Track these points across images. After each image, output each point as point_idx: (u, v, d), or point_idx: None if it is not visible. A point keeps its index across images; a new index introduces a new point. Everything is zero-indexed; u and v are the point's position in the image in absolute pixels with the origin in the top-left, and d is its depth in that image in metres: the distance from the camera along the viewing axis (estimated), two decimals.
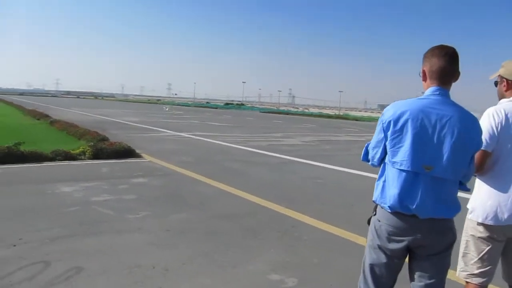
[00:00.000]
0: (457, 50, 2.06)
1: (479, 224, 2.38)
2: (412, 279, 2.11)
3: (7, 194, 6.02)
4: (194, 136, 16.42)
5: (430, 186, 1.95)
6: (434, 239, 2.00)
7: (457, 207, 2.03)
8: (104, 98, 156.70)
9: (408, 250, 2.05)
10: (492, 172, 2.36)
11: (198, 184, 7.33)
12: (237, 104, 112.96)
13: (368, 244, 2.15)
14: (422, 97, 2.03)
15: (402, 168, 1.97)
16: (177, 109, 51.90)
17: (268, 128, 24.44)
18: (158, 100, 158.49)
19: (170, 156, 10.27)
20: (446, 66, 2.00)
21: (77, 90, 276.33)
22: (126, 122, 22.87)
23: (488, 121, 2.32)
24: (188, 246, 4.25)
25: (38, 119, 20.53)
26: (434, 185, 1.95)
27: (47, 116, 21.12)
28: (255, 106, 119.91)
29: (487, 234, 2.37)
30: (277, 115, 53.86)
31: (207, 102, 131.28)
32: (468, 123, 1.96)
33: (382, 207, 2.06)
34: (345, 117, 55.66)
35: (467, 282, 2.48)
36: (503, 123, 2.29)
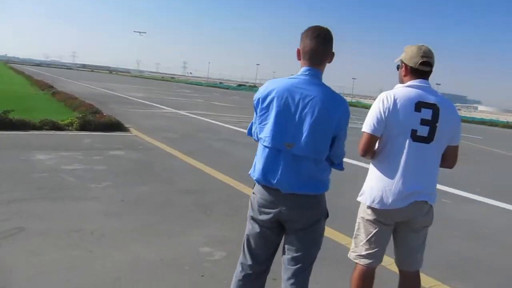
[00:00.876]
0: (331, 31, 2.11)
1: (368, 207, 2.44)
2: (283, 252, 2.22)
3: None
4: (190, 114, 16.56)
5: (291, 162, 2.02)
6: (298, 214, 2.08)
7: (323, 185, 2.11)
8: (119, 73, 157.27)
9: (278, 223, 2.15)
10: (380, 157, 2.39)
11: (173, 160, 7.48)
12: (249, 86, 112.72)
13: (247, 216, 2.26)
14: (292, 76, 2.08)
15: (265, 144, 2.06)
16: (187, 88, 51.91)
17: None
18: (172, 78, 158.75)
19: (157, 132, 10.42)
20: (317, 47, 2.05)
21: (93, 64, 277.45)
22: (129, 97, 23.08)
23: (377, 106, 2.33)
24: (135, 217, 4.41)
25: (43, 90, 20.83)
26: (295, 162, 2.02)
27: (51, 87, 21.41)
28: None
29: (374, 217, 2.43)
30: None
31: (220, 83, 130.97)
32: (330, 105, 2.01)
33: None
34: (354, 105, 55.35)
35: (356, 263, 2.57)
36: (391, 108, 2.29)
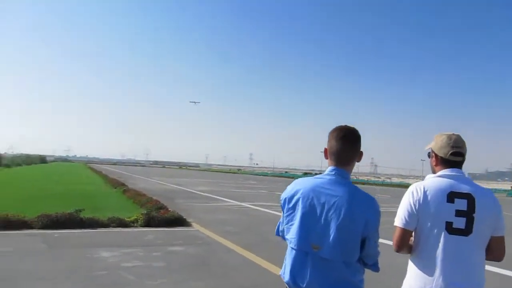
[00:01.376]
0: (357, 130, 2.13)
1: None
2: None
3: (52, 257, 6.60)
4: (253, 206, 16.66)
5: (320, 265, 1.96)
6: None
7: None
8: (188, 167, 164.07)
9: None
10: (417, 252, 2.26)
11: (231, 254, 7.45)
12: (315, 174, 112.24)
13: None
14: (318, 176, 2.09)
15: (292, 246, 2.05)
16: (252, 179, 52.77)
17: None
18: (239, 169, 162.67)
19: (218, 226, 10.54)
20: (343, 149, 2.07)
21: (164, 160, 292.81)
22: (195, 192, 23.80)
23: (407, 199, 2.25)
24: None
25: (115, 188, 22.06)
26: (324, 264, 1.96)
27: (123, 185, 22.65)
28: None
29: None
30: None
31: (285, 172, 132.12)
32: (357, 205, 1.97)
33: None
34: None
35: None
36: (421, 201, 2.19)
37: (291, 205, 2.07)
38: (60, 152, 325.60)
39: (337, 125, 2.16)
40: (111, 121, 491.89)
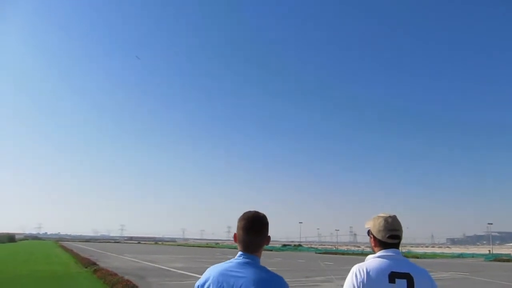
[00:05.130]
0: (265, 217, 2.18)
1: None
2: None
3: None
4: None
5: None
6: None
7: None
8: (164, 243, 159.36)
9: None
10: None
11: None
12: (294, 245, 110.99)
13: None
14: (229, 260, 2.12)
15: None
16: (230, 253, 51.47)
17: (312, 271, 23.56)
18: (217, 243, 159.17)
19: None
20: (248, 239, 2.12)
21: (139, 235, 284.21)
22: (170, 269, 22.90)
23: (351, 281, 2.25)
24: None
25: (86, 267, 21.04)
26: None
27: (94, 264, 21.67)
28: (313, 246, 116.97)
29: None
30: (333, 255, 51.95)
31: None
32: (262, 285, 1.96)
33: None
34: (404, 255, 52.42)
35: None
36: (365, 282, 2.21)
37: None
38: (30, 229, 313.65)
39: (246, 212, 2.21)
40: (83, 197, 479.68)
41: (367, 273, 2.24)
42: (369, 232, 2.48)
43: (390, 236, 2.35)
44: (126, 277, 14.36)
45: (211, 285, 2.04)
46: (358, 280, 2.23)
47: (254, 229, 2.13)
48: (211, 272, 2.10)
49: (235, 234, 2.20)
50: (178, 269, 22.62)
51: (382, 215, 2.44)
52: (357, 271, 2.27)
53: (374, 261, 2.31)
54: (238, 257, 2.12)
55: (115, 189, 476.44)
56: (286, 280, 2.00)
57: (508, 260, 46.11)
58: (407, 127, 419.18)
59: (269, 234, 2.21)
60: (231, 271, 2.04)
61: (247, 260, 2.08)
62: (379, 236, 2.38)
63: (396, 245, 2.38)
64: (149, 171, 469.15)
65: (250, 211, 2.21)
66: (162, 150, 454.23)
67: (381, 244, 2.38)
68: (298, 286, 15.28)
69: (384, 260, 2.30)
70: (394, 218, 2.41)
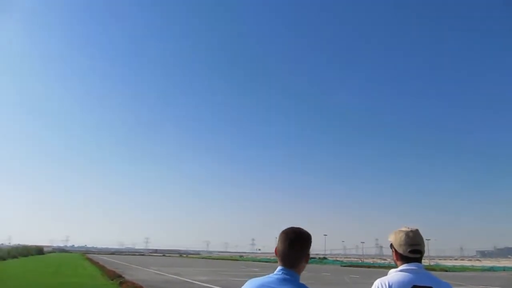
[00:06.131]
0: (306, 233, 2.18)
1: None
2: None
3: None
4: None
5: None
6: None
7: None
8: (189, 256, 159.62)
9: None
10: None
11: None
12: (319, 258, 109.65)
13: None
14: (269, 275, 2.14)
15: None
16: (255, 266, 51.26)
17: (335, 285, 23.34)
18: (241, 256, 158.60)
19: None
20: (288, 253, 2.13)
21: (164, 248, 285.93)
22: (194, 282, 22.96)
23: None
24: None
25: (112, 280, 21.35)
26: None
27: (120, 276, 21.96)
28: (338, 259, 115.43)
29: None
30: (359, 268, 51.14)
31: None
32: None
33: None
34: (432, 268, 51.12)
35: None
36: None
37: None
38: (58, 242, 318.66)
39: (289, 227, 2.22)
40: (109, 210, 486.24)
41: (389, 287, 2.27)
42: (391, 246, 2.49)
43: (411, 250, 2.36)
44: None
45: None
46: None
47: (294, 243, 2.14)
48: (251, 285, 2.14)
49: (275, 248, 2.21)
50: (203, 282, 22.70)
51: (403, 229, 2.45)
52: (379, 285, 2.31)
53: (396, 275, 2.34)
54: (277, 271, 2.13)
55: (141, 202, 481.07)
56: None
57: None
58: (427, 137, 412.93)
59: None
60: (269, 286, 2.06)
61: (286, 276, 2.09)
62: (400, 250, 2.39)
63: (418, 259, 2.39)
64: (174, 184, 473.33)
65: (293, 227, 2.22)
66: (185, 162, 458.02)
67: (403, 258, 2.39)
68: None
69: (407, 274, 2.32)
70: (415, 233, 2.41)
